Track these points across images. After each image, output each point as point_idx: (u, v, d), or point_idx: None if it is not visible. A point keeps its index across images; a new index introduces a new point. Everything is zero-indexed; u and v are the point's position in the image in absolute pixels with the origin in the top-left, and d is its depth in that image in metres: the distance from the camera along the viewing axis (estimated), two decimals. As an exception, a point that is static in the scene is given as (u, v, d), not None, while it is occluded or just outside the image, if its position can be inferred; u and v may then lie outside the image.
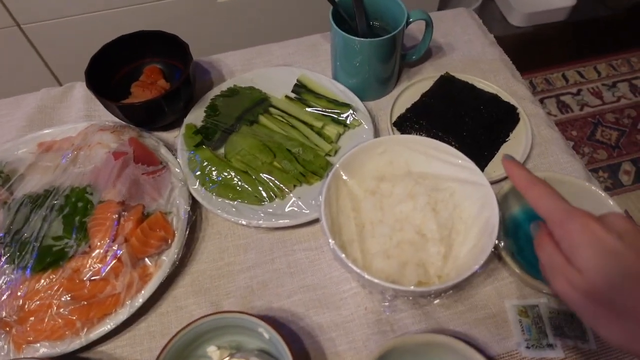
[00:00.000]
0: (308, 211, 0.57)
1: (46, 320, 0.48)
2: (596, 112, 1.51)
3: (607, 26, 1.70)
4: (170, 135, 0.67)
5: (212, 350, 0.46)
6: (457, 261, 0.49)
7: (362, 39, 0.61)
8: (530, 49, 1.50)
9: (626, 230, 0.34)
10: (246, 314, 0.45)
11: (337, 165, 0.53)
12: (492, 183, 0.53)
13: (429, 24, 0.67)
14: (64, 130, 0.63)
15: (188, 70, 0.62)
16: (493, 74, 0.72)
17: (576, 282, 0.34)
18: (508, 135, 0.63)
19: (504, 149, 0.62)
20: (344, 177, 0.53)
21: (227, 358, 0.45)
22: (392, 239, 0.50)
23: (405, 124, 0.63)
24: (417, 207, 0.51)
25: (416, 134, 0.62)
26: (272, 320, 0.45)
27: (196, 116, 0.66)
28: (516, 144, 0.63)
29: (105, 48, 0.65)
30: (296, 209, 0.57)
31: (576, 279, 0.34)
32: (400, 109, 0.66)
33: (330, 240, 0.48)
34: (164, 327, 0.52)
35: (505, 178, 0.59)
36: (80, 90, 0.72)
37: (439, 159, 0.54)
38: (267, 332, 0.45)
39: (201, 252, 0.57)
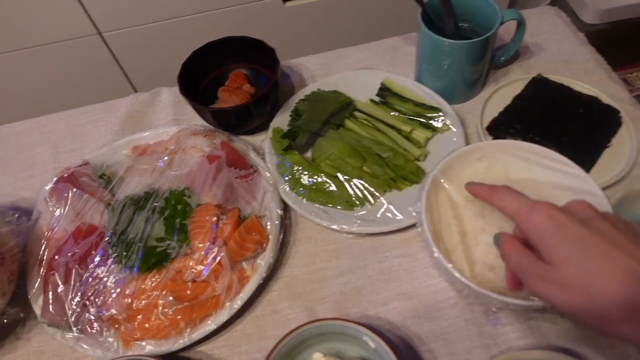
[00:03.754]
0: (401, 217, 0.56)
1: (152, 319, 0.49)
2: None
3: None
4: (256, 139, 0.68)
5: (318, 357, 0.45)
6: (569, 274, 0.46)
7: (454, 41, 0.59)
8: (606, 48, 1.42)
9: (588, 216, 0.35)
10: (352, 322, 0.44)
11: (436, 172, 0.51)
12: (602, 191, 0.50)
13: (521, 24, 0.64)
14: (157, 134, 0.65)
15: (276, 74, 0.62)
16: (587, 75, 0.68)
17: (549, 276, 0.34)
18: (609, 140, 0.60)
19: (606, 154, 0.59)
20: (444, 184, 0.52)
21: (333, 365, 0.44)
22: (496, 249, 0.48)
23: (499, 128, 0.61)
24: (523, 215, 0.49)
25: (511, 139, 0.60)
26: (374, 329, 0.45)
27: (282, 120, 0.66)
28: (619, 150, 0.59)
29: (194, 54, 0.67)
30: (389, 215, 0.56)
31: (548, 273, 0.34)
32: (492, 112, 0.63)
33: (434, 249, 0.46)
34: (259, 330, 0.52)
35: (613, 184, 0.56)
36: (166, 96, 0.75)
37: (542, 165, 0.52)
38: (372, 341, 0.44)
39: (292, 257, 0.57)
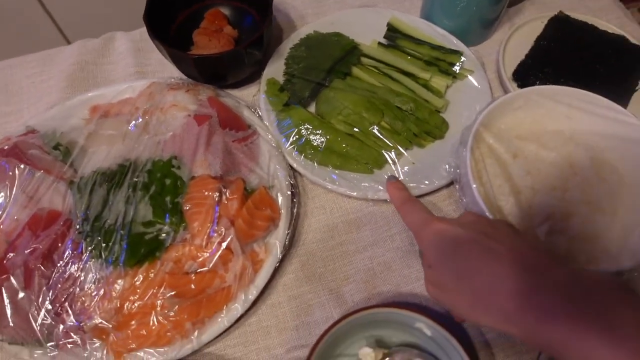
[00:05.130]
0: (427, 182, 0.48)
1: (150, 323, 0.39)
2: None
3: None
4: (245, 94, 0.56)
5: (366, 352, 0.38)
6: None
7: (480, -30, 0.51)
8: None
9: (469, 221, 0.36)
10: (406, 309, 0.38)
11: (478, 125, 0.44)
12: None
13: (544, -47, 0.57)
14: (120, 90, 0.52)
15: (271, 12, 0.51)
16: (605, 13, 0.63)
17: (429, 277, 0.36)
18: (638, 84, 0.55)
19: (636, 99, 0.54)
20: (488, 139, 0.45)
21: (386, 360, 0.38)
22: (554, 208, 0.43)
23: (528, 72, 0.54)
24: (576, 172, 0.44)
25: (541, 84, 0.54)
26: (426, 311, 0.38)
27: (275, 70, 0.55)
28: (648, 94, 0.55)
29: (160, -13, 0.53)
30: (417, 176, 0.49)
31: (428, 275, 0.37)
32: (515, 55, 0.57)
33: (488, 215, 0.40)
34: (278, 321, 0.44)
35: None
36: (122, 42, 0.60)
37: (586, 112, 0.46)
38: (428, 327, 0.38)
39: (306, 232, 0.49)
